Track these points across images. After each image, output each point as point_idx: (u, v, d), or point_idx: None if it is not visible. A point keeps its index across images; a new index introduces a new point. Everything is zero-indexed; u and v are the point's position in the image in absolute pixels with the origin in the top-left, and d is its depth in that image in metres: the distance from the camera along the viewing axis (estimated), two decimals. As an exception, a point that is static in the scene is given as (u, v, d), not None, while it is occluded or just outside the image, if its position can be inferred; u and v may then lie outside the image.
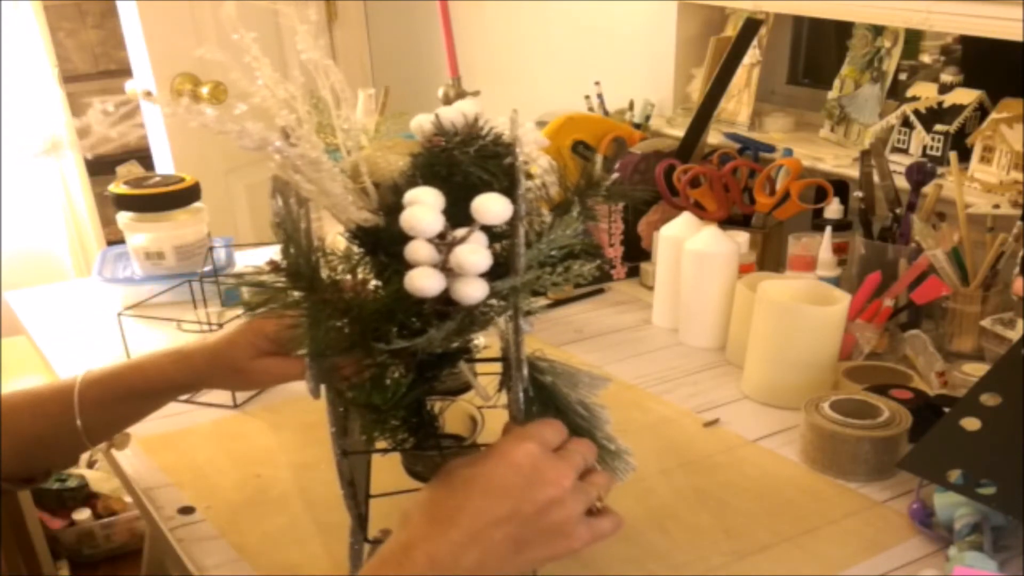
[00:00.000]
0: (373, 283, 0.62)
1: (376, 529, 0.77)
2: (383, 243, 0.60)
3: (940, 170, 1.25)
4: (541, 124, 1.39)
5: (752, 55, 1.60)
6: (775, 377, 1.02)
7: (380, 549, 0.58)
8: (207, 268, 1.31)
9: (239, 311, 1.06)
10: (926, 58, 1.45)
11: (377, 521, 0.76)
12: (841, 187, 1.31)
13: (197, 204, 1.34)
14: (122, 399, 0.81)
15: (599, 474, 0.63)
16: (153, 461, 0.94)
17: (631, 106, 1.67)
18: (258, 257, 1.45)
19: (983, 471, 0.76)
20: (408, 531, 0.58)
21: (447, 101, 0.69)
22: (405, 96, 2.25)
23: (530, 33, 2.05)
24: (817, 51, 1.70)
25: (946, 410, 0.87)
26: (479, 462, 0.59)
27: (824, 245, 1.21)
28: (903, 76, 1.44)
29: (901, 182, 1.21)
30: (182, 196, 1.31)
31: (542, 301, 0.66)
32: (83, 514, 2.02)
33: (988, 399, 0.81)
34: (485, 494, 0.57)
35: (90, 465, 2.15)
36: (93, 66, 3.64)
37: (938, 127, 1.30)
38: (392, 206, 0.59)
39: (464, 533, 0.56)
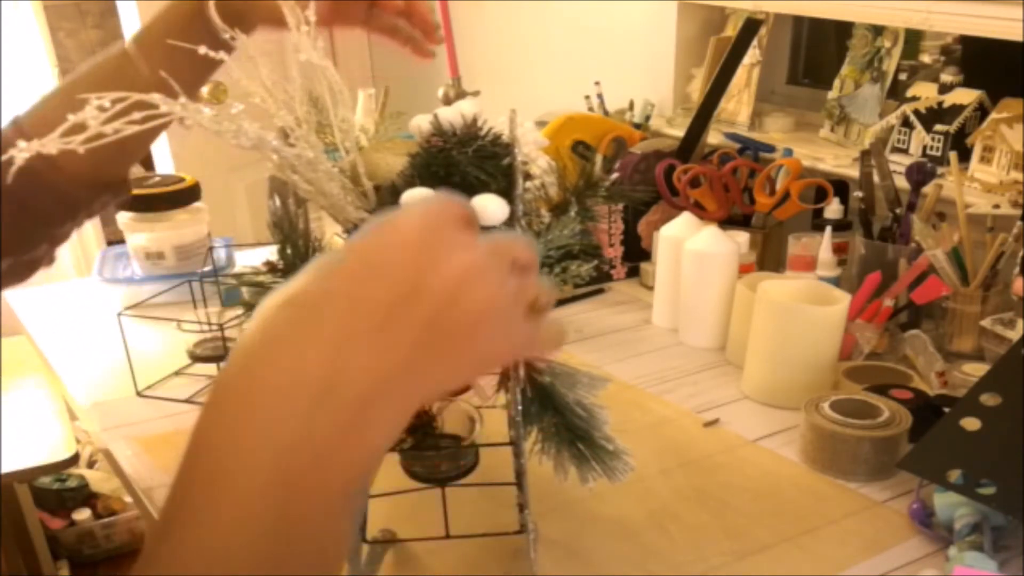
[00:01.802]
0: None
1: (375, 529, 0.77)
2: (381, 243, 0.60)
3: (940, 170, 1.25)
4: (541, 124, 1.39)
5: (752, 55, 1.60)
6: (775, 377, 1.02)
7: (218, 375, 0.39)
8: (207, 268, 1.31)
9: (239, 311, 1.06)
10: (926, 58, 1.44)
11: (376, 521, 0.76)
12: (841, 187, 1.31)
13: (197, 204, 1.34)
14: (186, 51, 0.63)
15: (533, 277, 0.44)
16: (153, 461, 0.94)
17: (631, 106, 1.67)
18: (258, 257, 1.45)
19: (983, 471, 0.76)
20: (261, 328, 0.38)
21: (447, 101, 0.68)
22: (405, 96, 2.24)
23: (530, 33, 2.05)
24: (817, 51, 1.70)
25: (946, 410, 0.87)
26: (348, 245, 0.41)
27: (824, 245, 1.21)
28: (903, 76, 1.43)
29: (901, 182, 1.21)
30: (182, 196, 1.31)
31: (541, 301, 0.66)
32: (83, 514, 2.02)
33: (988, 399, 0.81)
34: (363, 276, 0.38)
35: (90, 465, 2.15)
36: (93, 66, 3.64)
37: (938, 127, 1.30)
38: (390, 206, 0.59)
39: (346, 319, 0.37)
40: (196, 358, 1.09)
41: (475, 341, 0.39)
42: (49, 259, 0.78)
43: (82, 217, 0.78)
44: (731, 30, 1.62)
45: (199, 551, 0.35)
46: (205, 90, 0.68)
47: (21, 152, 0.40)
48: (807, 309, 1.00)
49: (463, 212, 0.41)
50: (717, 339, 1.17)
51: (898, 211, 1.20)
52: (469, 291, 0.38)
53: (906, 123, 1.34)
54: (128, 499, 2.02)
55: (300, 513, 0.36)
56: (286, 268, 0.58)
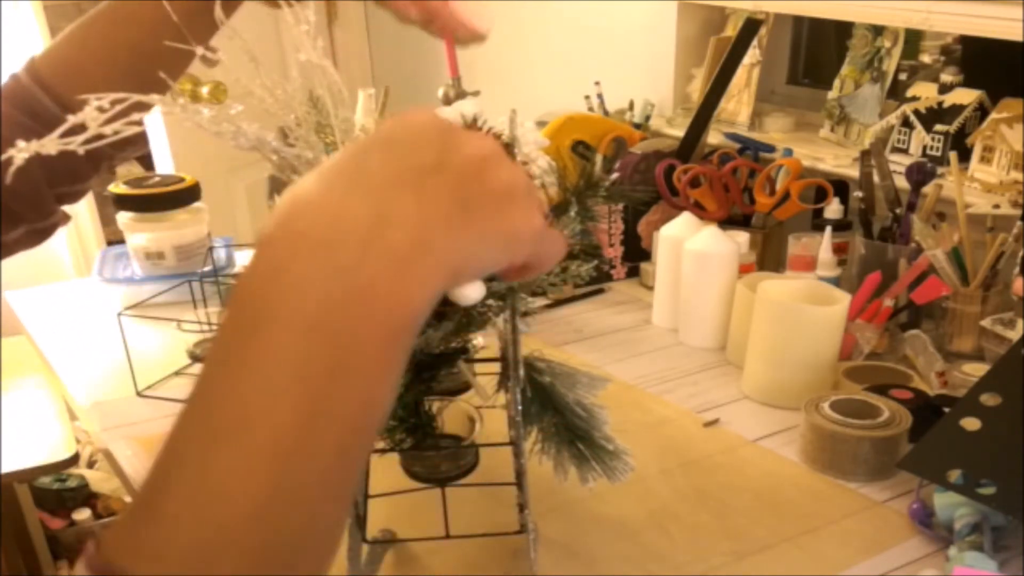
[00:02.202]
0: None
1: (375, 529, 0.77)
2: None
3: (940, 170, 1.25)
4: (541, 124, 1.39)
5: (752, 55, 1.60)
6: (775, 377, 1.02)
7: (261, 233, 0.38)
8: (207, 268, 1.31)
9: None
10: (926, 58, 1.44)
11: (376, 521, 0.76)
12: (841, 187, 1.31)
13: (197, 204, 1.34)
14: None
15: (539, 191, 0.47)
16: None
17: (631, 106, 1.67)
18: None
19: (983, 471, 0.76)
20: (293, 191, 0.38)
21: (447, 101, 0.68)
22: (405, 96, 2.24)
23: (530, 33, 2.05)
24: (817, 51, 1.70)
25: (946, 410, 0.87)
26: (379, 130, 0.41)
27: (824, 245, 1.21)
28: (903, 76, 1.43)
29: (901, 182, 1.21)
30: (182, 196, 1.31)
31: (541, 301, 0.66)
32: (83, 514, 2.02)
33: (988, 399, 0.81)
34: (390, 148, 0.39)
35: (90, 465, 2.15)
36: (94, 66, 3.64)
37: (938, 127, 1.30)
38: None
39: (385, 175, 0.38)
40: (196, 358, 1.09)
41: (502, 214, 0.40)
42: (65, 218, 0.78)
43: (103, 171, 0.78)
44: (731, 30, 1.62)
45: (252, 389, 0.34)
46: (205, 90, 0.68)
47: (20, 152, 0.40)
48: (807, 309, 1.00)
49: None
50: (717, 339, 1.17)
51: (898, 211, 1.20)
52: (491, 170, 0.39)
53: (906, 123, 1.34)
54: (128, 499, 2.02)
55: (351, 356, 0.35)
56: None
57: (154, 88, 0.76)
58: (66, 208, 0.78)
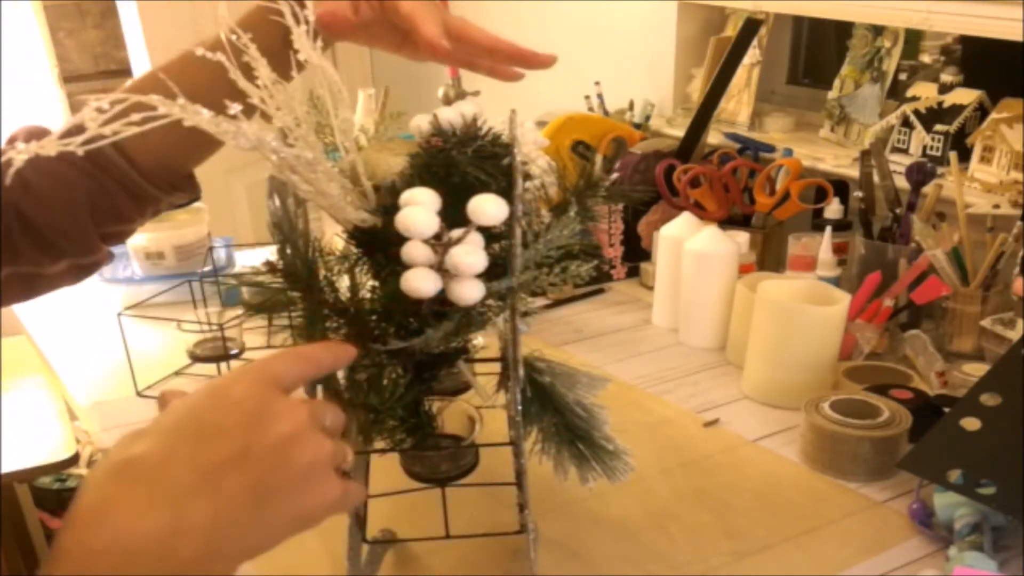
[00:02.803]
0: (370, 283, 0.62)
1: (375, 529, 0.77)
2: (380, 243, 0.60)
3: (940, 170, 1.25)
4: (541, 124, 1.39)
5: (752, 55, 1.60)
6: (775, 377, 1.02)
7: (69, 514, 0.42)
8: (207, 268, 1.31)
9: (239, 311, 1.06)
10: (926, 58, 1.44)
11: (376, 521, 0.76)
12: (841, 187, 1.31)
13: (197, 204, 1.33)
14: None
15: (341, 442, 0.50)
16: (152, 461, 0.94)
17: (631, 106, 1.67)
18: (258, 257, 1.45)
19: (983, 471, 0.75)
20: (98, 494, 0.42)
21: (447, 101, 0.68)
22: (405, 96, 2.24)
23: (530, 33, 2.05)
24: (817, 51, 1.70)
25: (946, 410, 0.87)
26: (185, 407, 0.45)
27: (824, 245, 1.21)
28: (903, 76, 1.43)
29: (901, 182, 1.21)
30: (182, 196, 1.31)
31: (541, 301, 0.66)
32: (83, 514, 2.02)
33: (988, 399, 0.81)
34: (199, 439, 0.43)
35: (90, 465, 2.15)
36: (93, 66, 3.64)
37: (938, 127, 1.30)
38: (389, 207, 0.59)
39: (184, 480, 0.42)
40: (196, 358, 1.09)
41: (299, 498, 0.45)
42: (109, 256, 0.78)
43: (149, 214, 0.78)
44: (731, 30, 1.62)
45: None
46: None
47: (20, 154, 0.40)
48: (807, 309, 1.00)
49: (286, 373, 0.47)
50: (717, 339, 1.17)
51: (898, 211, 1.20)
52: (294, 451, 0.44)
53: (906, 123, 1.34)
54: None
55: None
56: (286, 268, 0.58)
57: (210, 145, 0.76)
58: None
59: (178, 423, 0.44)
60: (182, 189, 0.79)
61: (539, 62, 0.68)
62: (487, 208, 0.55)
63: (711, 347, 1.17)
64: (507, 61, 0.69)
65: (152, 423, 0.45)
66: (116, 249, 1.03)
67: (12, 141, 0.71)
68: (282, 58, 0.59)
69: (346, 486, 0.48)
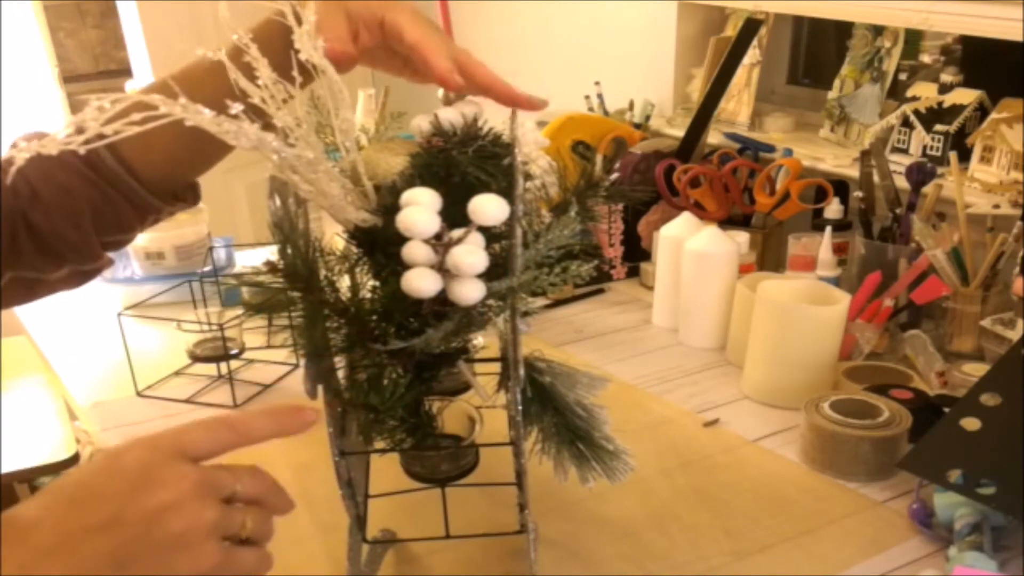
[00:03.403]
0: (371, 283, 0.62)
1: (375, 529, 0.77)
2: (381, 243, 0.60)
3: (940, 170, 1.25)
4: (541, 124, 1.39)
5: (752, 55, 1.60)
6: (775, 377, 1.02)
7: None
8: (207, 268, 1.31)
9: (239, 311, 1.06)
10: (926, 58, 1.44)
11: (376, 521, 0.76)
12: (841, 187, 1.31)
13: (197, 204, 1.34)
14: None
15: (257, 511, 0.51)
16: (152, 461, 0.94)
17: (631, 106, 1.67)
18: (258, 257, 1.45)
19: (983, 471, 0.76)
20: None
21: (447, 101, 0.68)
22: (405, 96, 2.24)
23: (530, 33, 2.05)
24: (817, 51, 1.70)
25: (946, 410, 0.87)
26: (80, 471, 0.48)
27: (824, 245, 1.21)
28: (903, 76, 1.43)
29: (901, 182, 1.21)
30: (182, 196, 1.31)
31: (541, 301, 0.66)
32: (83, 514, 2.02)
33: (988, 399, 0.81)
34: (73, 503, 0.46)
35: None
36: (93, 66, 3.65)
37: (938, 127, 1.30)
38: (390, 207, 0.59)
39: (44, 544, 0.45)
40: (196, 358, 1.09)
41: (166, 566, 0.46)
42: (109, 262, 0.79)
43: (150, 222, 0.80)
44: (731, 30, 1.62)
45: None
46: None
47: (20, 152, 0.40)
48: (807, 309, 1.00)
49: (197, 442, 0.48)
50: (717, 339, 1.17)
51: (898, 211, 1.20)
52: (168, 520, 0.46)
53: (906, 123, 1.34)
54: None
55: None
56: (286, 268, 0.58)
57: (212, 156, 0.77)
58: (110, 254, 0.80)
59: (64, 486, 0.47)
60: (184, 199, 0.80)
61: (531, 106, 0.69)
62: (488, 208, 0.55)
63: (711, 347, 1.17)
64: (500, 101, 0.70)
65: (50, 484, 0.48)
66: (116, 249, 1.02)
67: (14, 148, 0.72)
68: (290, 68, 0.59)
69: (231, 555, 0.49)
